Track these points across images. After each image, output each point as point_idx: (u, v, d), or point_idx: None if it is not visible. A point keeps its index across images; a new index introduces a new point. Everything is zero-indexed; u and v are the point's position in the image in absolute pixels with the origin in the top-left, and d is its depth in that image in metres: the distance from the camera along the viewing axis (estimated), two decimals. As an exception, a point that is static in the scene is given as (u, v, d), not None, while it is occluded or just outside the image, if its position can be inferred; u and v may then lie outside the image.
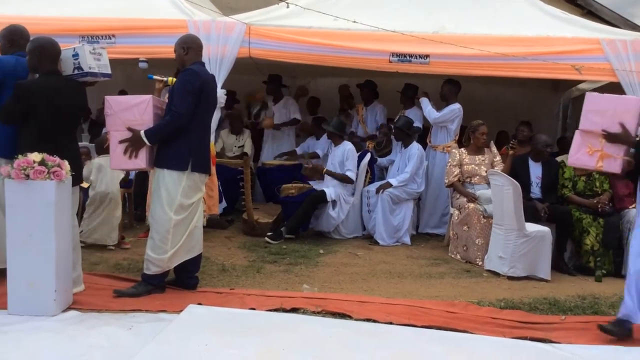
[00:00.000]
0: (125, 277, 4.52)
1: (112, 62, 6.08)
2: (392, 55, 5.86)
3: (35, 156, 3.60)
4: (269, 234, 6.06)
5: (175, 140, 4.05)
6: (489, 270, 5.34)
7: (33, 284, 3.59)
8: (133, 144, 4.05)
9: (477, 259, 5.59)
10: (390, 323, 3.80)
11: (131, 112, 4.07)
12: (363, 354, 3.27)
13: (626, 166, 3.89)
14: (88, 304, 3.86)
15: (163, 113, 4.17)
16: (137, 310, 3.81)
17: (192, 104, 4.02)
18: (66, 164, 3.72)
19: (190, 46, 4.18)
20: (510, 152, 5.96)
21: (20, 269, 3.60)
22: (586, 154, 4.03)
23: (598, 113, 4.00)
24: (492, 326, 3.86)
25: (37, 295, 3.59)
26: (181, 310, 3.75)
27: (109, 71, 4.19)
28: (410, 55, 5.88)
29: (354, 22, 5.75)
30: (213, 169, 5.54)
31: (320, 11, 5.80)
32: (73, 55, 3.99)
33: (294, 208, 6.21)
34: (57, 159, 3.68)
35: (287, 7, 6.07)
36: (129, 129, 4.04)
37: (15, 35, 4.22)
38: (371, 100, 7.76)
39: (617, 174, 4.04)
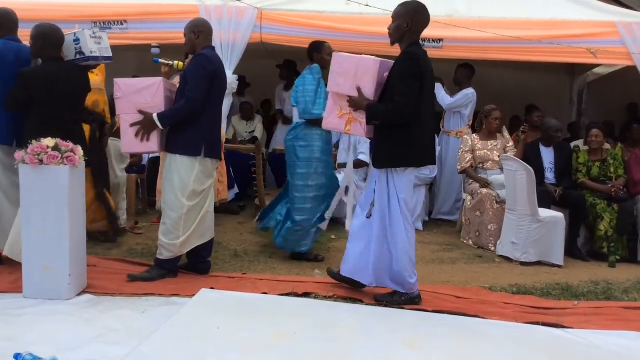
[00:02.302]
0: (139, 261, 4.56)
1: (125, 47, 6.14)
2: (405, 40, 5.81)
3: (49, 141, 3.63)
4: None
5: (187, 125, 4.04)
6: (501, 256, 5.33)
7: (48, 267, 3.63)
8: (145, 126, 4.04)
9: (490, 245, 5.57)
10: (402, 308, 3.80)
11: (142, 95, 4.06)
12: (374, 338, 3.28)
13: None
14: (102, 288, 3.90)
15: (173, 96, 4.17)
16: (150, 294, 3.85)
17: (205, 89, 4.01)
18: (79, 149, 3.74)
19: (201, 30, 4.16)
20: (522, 136, 5.92)
21: (34, 253, 3.64)
22: (337, 117, 3.84)
23: (342, 74, 3.75)
24: (504, 311, 3.85)
25: (52, 279, 3.63)
26: (194, 295, 3.78)
27: (109, 54, 4.24)
28: (423, 40, 5.78)
29: (367, 5, 5.70)
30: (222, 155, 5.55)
31: (332, -5, 5.77)
32: (74, 41, 4.04)
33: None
34: (71, 144, 3.70)
35: (299, -9, 6.03)
36: (140, 112, 4.03)
37: (3, 19, 4.23)
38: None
39: (366, 137, 3.93)
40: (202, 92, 4.00)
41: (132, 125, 4.05)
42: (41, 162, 3.60)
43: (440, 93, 6.71)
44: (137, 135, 4.05)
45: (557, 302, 4.15)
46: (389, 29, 3.78)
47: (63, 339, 3.08)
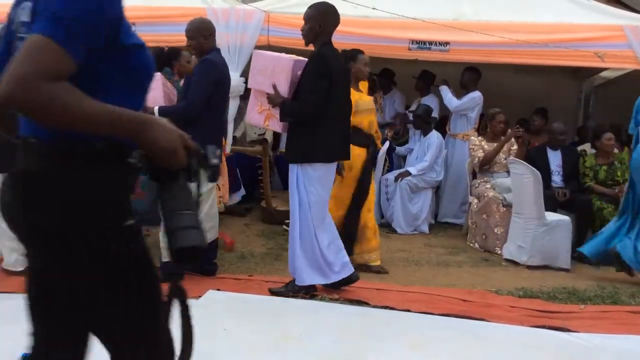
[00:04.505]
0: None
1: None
2: (412, 43, 5.83)
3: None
4: (287, 221, 6.06)
5: (187, 130, 4.01)
6: (507, 259, 5.32)
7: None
8: None
9: (496, 248, 5.56)
10: (408, 310, 3.81)
11: None
12: (380, 341, 3.29)
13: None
14: (109, 289, 3.92)
15: (169, 91, 4.17)
16: (157, 295, 3.86)
17: (207, 95, 4.00)
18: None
19: (210, 33, 4.15)
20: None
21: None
22: (257, 112, 4.03)
23: (260, 72, 3.95)
24: (510, 315, 3.85)
25: (60, 279, 3.66)
26: (200, 296, 3.80)
27: None
28: (430, 43, 5.84)
29: (374, 9, 5.71)
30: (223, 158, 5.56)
31: (339, -2, 5.77)
32: None
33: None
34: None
35: (306, -6, 6.05)
36: None
37: None
38: (389, 88, 7.74)
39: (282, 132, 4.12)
40: (204, 98, 3.99)
41: None
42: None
43: (447, 95, 6.72)
44: None
45: (564, 305, 4.14)
46: (302, 30, 3.94)
47: (71, 339, 3.10)
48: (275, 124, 4.00)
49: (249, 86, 4.07)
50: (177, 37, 5.64)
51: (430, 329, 3.53)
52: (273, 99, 3.87)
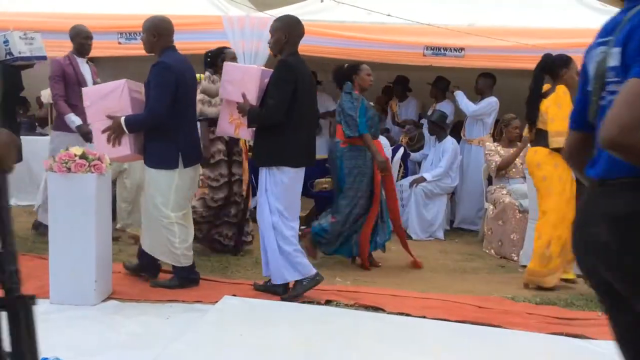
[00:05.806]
0: (163, 268, 4.60)
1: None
2: (427, 49, 5.84)
3: (77, 150, 3.71)
4: (302, 227, 6.08)
5: (161, 138, 3.94)
6: (524, 266, 5.26)
7: (74, 274, 3.69)
8: (114, 131, 3.90)
9: (513, 254, 5.52)
10: (424, 317, 3.79)
11: (108, 100, 3.94)
12: (394, 347, 3.28)
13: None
14: (127, 294, 3.96)
15: (142, 97, 4.03)
16: (174, 301, 3.89)
17: (167, 101, 3.88)
18: (106, 158, 3.82)
19: (160, 33, 4.00)
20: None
21: (61, 259, 3.71)
22: (228, 122, 4.11)
23: (231, 83, 4.06)
24: (527, 322, 3.82)
25: (78, 285, 3.70)
26: (216, 301, 3.82)
27: (43, 54, 4.53)
28: (445, 49, 5.84)
29: (388, 15, 5.73)
30: (245, 164, 5.57)
31: (354, 5, 5.81)
32: (4, 42, 4.29)
33: (327, 202, 6.22)
34: (98, 153, 3.78)
35: (322, 1, 6.09)
36: (109, 117, 3.90)
37: None
38: (405, 95, 7.74)
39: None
40: (164, 104, 3.87)
41: (103, 131, 3.92)
42: (69, 170, 3.67)
43: (463, 101, 6.69)
44: (108, 140, 3.91)
45: (582, 312, 4.10)
46: (269, 42, 4.07)
47: (89, 344, 3.14)
48: (245, 133, 4.12)
49: (219, 96, 4.16)
50: (193, 45, 5.71)
51: (446, 336, 3.52)
52: (243, 107, 3.95)
